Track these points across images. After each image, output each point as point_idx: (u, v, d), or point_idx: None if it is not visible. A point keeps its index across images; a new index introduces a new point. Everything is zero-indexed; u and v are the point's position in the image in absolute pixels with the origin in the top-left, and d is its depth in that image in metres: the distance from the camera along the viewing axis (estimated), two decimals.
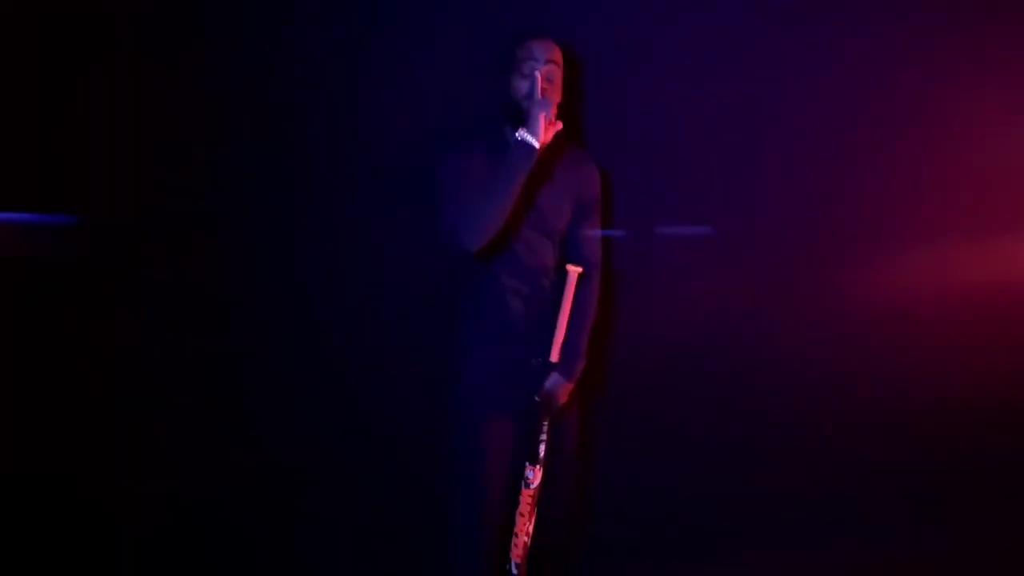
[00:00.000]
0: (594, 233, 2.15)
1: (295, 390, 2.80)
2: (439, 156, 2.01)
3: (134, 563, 2.64)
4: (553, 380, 2.08)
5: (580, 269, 2.03)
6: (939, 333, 2.53)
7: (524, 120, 1.87)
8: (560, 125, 1.90)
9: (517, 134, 1.86)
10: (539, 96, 1.88)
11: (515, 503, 2.05)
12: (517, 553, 2.04)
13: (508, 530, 2.07)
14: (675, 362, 2.60)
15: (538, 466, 2.04)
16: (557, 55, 1.97)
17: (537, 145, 1.85)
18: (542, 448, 2.04)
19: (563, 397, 2.10)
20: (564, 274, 2.03)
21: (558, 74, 1.96)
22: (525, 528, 2.05)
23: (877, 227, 2.56)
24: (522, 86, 1.93)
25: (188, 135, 2.71)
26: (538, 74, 1.90)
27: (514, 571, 2.05)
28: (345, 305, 2.76)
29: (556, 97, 1.95)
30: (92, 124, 2.72)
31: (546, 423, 2.04)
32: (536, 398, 2.06)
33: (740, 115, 2.55)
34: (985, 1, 2.44)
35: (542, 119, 1.84)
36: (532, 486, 2.04)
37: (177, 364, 2.78)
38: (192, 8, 2.67)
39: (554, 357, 2.04)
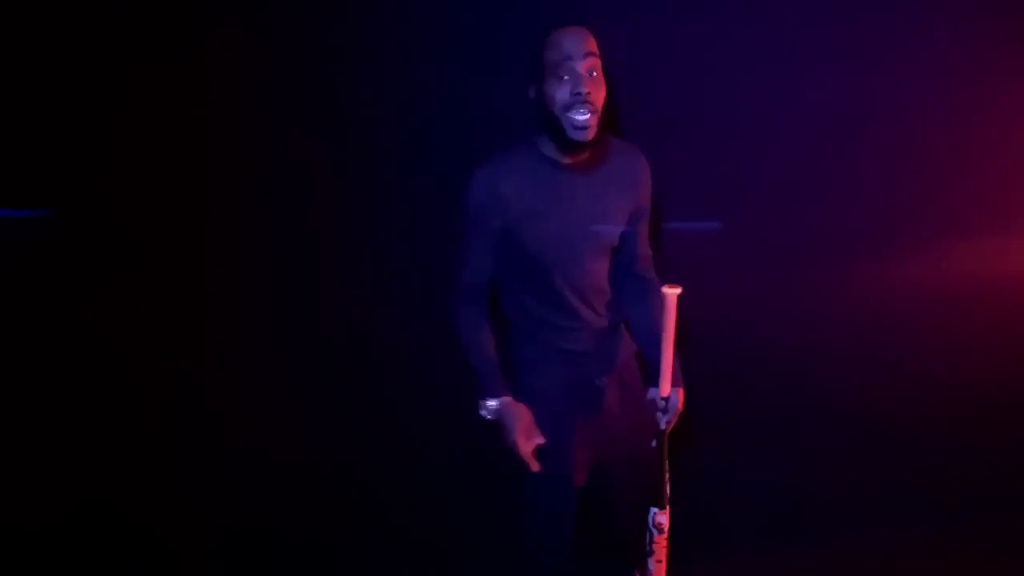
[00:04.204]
0: (645, 236, 2.00)
1: (289, 391, 2.74)
2: (469, 182, 1.85)
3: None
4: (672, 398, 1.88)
5: (679, 290, 1.72)
6: (958, 330, 2.57)
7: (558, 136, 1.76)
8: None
9: (481, 409, 1.81)
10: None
11: (648, 551, 1.91)
12: None
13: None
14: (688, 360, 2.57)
15: (667, 508, 1.86)
16: (593, 44, 1.74)
17: (491, 417, 1.82)
18: (668, 488, 1.86)
19: (680, 404, 1.91)
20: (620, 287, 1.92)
21: (599, 65, 1.74)
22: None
23: (891, 223, 2.58)
24: (560, 93, 1.71)
25: (178, 128, 2.58)
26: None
27: None
28: (345, 306, 2.69)
29: (601, 94, 1.75)
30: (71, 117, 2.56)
31: (666, 461, 1.86)
32: (653, 442, 1.87)
33: (751, 112, 2.53)
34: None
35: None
36: (665, 531, 1.87)
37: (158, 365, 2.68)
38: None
39: (664, 392, 1.83)
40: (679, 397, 1.89)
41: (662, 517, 1.86)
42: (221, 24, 2.48)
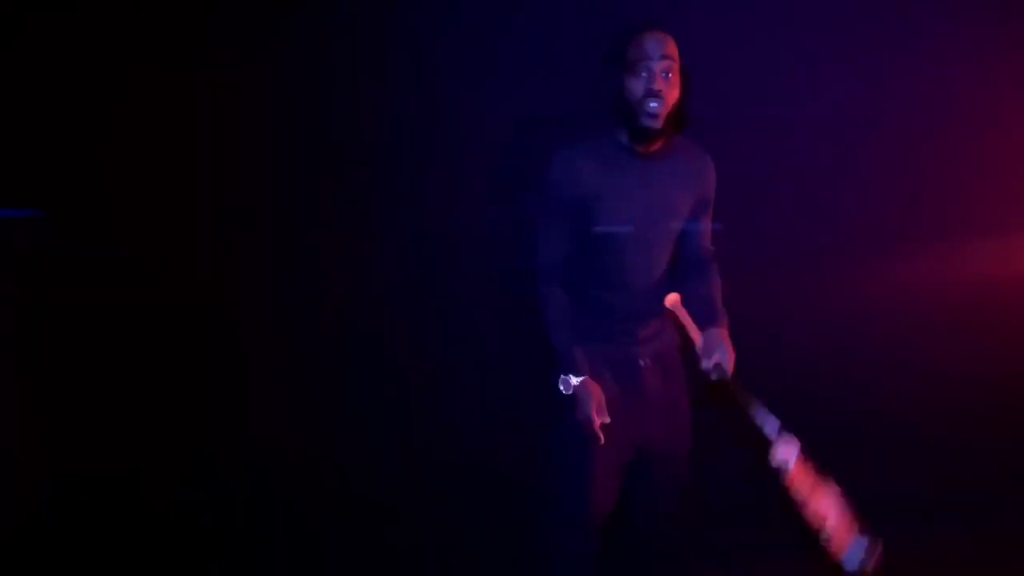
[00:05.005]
0: (707, 226, 2.12)
1: (292, 394, 2.65)
2: (548, 162, 1.98)
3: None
4: (710, 336, 1.92)
5: (677, 297, 1.97)
6: (973, 330, 2.59)
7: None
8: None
9: (561, 384, 1.95)
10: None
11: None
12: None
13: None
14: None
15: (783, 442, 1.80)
16: (671, 48, 1.91)
17: (569, 392, 1.95)
18: (768, 424, 1.83)
19: (727, 342, 1.94)
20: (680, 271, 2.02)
21: (673, 68, 1.91)
22: (822, 512, 1.78)
23: (908, 224, 2.58)
24: (636, 87, 1.89)
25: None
26: None
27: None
28: (360, 299, 2.61)
29: (674, 93, 1.92)
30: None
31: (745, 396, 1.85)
32: (711, 374, 1.90)
33: (765, 114, 2.52)
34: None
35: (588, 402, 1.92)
36: (791, 465, 1.80)
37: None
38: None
39: (698, 341, 1.91)
40: (722, 336, 1.94)
41: (782, 453, 1.81)
42: (227, 21, 2.46)
